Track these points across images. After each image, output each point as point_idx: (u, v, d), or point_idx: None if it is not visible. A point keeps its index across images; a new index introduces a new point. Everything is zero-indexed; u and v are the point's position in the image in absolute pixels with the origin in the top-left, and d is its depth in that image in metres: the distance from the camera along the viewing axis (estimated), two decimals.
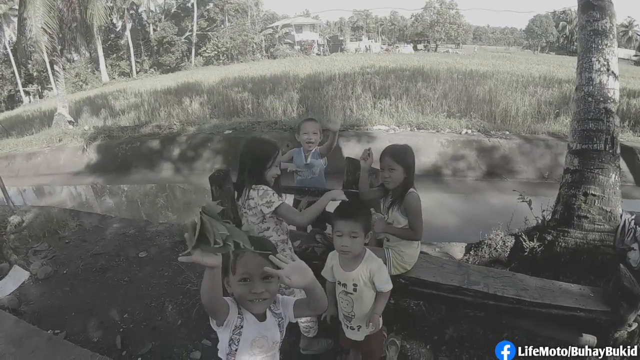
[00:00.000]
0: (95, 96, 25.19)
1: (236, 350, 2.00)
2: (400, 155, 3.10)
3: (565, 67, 27.01)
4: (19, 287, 5.19)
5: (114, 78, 49.83)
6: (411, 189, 3.10)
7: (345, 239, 2.56)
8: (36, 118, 20.73)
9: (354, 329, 2.80)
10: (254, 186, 3.09)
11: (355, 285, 2.67)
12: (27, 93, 45.50)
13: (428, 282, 3.24)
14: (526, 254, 4.55)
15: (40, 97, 44.79)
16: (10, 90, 45.34)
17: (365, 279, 2.66)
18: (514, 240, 4.89)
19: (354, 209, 2.66)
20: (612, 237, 4.34)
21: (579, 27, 4.79)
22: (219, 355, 2.09)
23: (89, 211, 8.68)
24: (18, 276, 5.38)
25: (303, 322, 3.30)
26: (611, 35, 4.50)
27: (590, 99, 4.47)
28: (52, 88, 40.58)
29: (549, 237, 4.54)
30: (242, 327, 1.99)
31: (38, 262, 5.76)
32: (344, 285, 2.71)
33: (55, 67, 16.87)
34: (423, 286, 3.25)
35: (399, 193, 3.15)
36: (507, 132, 10.52)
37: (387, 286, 2.69)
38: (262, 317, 2.02)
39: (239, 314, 1.99)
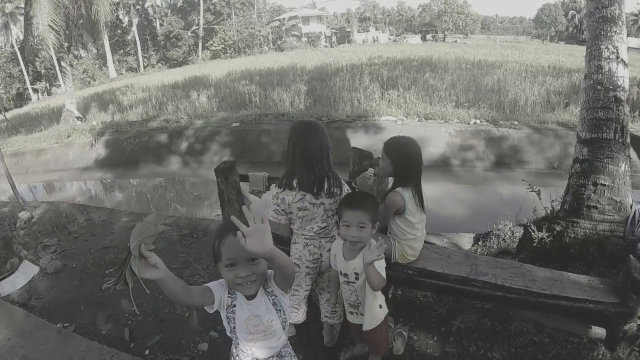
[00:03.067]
0: (103, 92, 25.40)
1: (235, 328, 2.03)
2: (390, 147, 3.09)
3: (575, 56, 26.78)
4: (28, 282, 5.25)
5: (122, 73, 50.01)
6: (399, 188, 3.06)
7: (352, 230, 2.55)
8: (45, 115, 20.89)
9: (361, 315, 2.80)
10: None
11: (356, 274, 2.66)
12: (35, 90, 45.70)
13: (435, 272, 3.22)
14: (535, 244, 4.50)
15: (49, 94, 45.02)
16: (19, 88, 45.53)
17: None
18: (522, 231, 4.85)
19: (362, 200, 2.65)
20: (622, 227, 4.28)
21: (588, 14, 4.72)
22: (227, 333, 2.12)
23: (97, 205, 8.80)
24: (28, 271, 5.45)
25: (326, 307, 3.28)
26: (620, 22, 4.42)
27: (599, 87, 4.40)
28: (59, 85, 40.81)
29: (558, 228, 4.49)
30: (234, 306, 2.01)
31: (47, 257, 5.83)
32: (345, 275, 2.71)
33: (63, 64, 16.96)
34: (430, 277, 3.22)
35: (387, 190, 3.17)
36: (516, 122, 10.46)
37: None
38: (250, 297, 2.01)
39: (229, 293, 2.01)
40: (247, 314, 2.00)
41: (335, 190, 2.95)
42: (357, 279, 2.67)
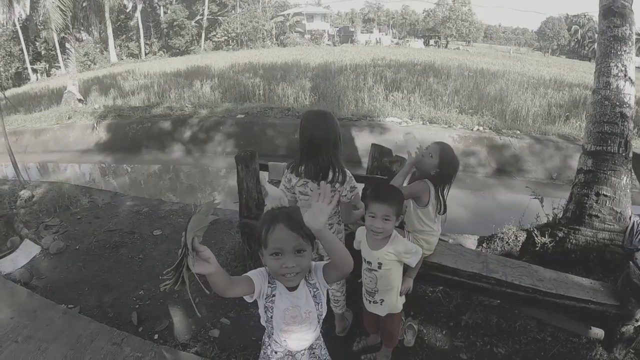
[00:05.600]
0: (103, 76, 25.15)
1: (272, 317, 2.03)
2: (445, 149, 3.20)
3: (576, 71, 26.97)
4: (30, 261, 5.25)
5: (122, 59, 49.66)
6: (425, 180, 3.19)
7: (377, 221, 2.65)
8: (44, 95, 20.76)
9: (376, 303, 2.91)
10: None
11: (380, 263, 2.77)
12: (34, 71, 45.14)
13: (449, 267, 3.36)
14: (537, 249, 4.65)
15: (48, 75, 44.53)
16: (18, 67, 44.91)
17: (391, 258, 2.76)
18: (525, 236, 5.00)
19: (389, 194, 2.74)
20: (621, 237, 4.44)
21: (599, 33, 4.86)
22: (261, 321, 2.12)
23: (100, 188, 8.81)
24: (29, 250, 5.45)
25: (332, 291, 3.37)
26: (630, 43, 4.57)
27: (606, 102, 4.55)
28: (59, 67, 40.46)
29: (560, 234, 4.64)
30: (274, 296, 2.01)
31: (49, 237, 5.82)
32: (369, 262, 2.82)
33: (67, 45, 16.87)
34: (444, 272, 3.38)
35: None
36: (518, 132, 10.57)
37: (416, 262, 2.81)
38: (292, 288, 2.01)
39: (269, 283, 2.01)
40: (286, 304, 2.01)
41: (336, 184, 2.99)
42: (379, 267, 2.78)
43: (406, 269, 2.97)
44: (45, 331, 3.49)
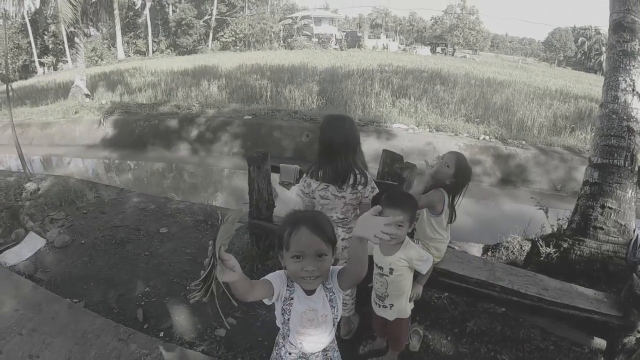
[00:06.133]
0: (110, 72, 25.16)
1: (288, 320, 2.04)
2: (461, 160, 3.27)
3: (582, 83, 27.02)
4: (34, 254, 5.21)
5: (130, 56, 49.80)
6: (441, 189, 3.24)
7: (391, 227, 2.68)
8: (51, 89, 20.75)
9: (386, 307, 2.96)
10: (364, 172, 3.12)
11: (391, 269, 2.82)
12: (41, 64, 45.35)
13: (457, 274, 3.41)
14: (542, 258, 4.70)
15: (55, 69, 44.67)
16: (25, 60, 45.18)
17: (403, 264, 2.80)
18: (530, 245, 5.04)
19: (403, 200, 2.79)
20: (624, 249, 4.49)
21: (609, 47, 4.92)
22: (276, 323, 2.13)
23: (106, 184, 8.79)
24: (34, 242, 5.42)
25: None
26: (639, 57, 4.63)
27: (614, 116, 4.60)
28: (67, 61, 40.63)
29: (565, 245, 4.69)
30: (292, 299, 2.01)
31: (55, 231, 5.80)
32: (381, 268, 2.86)
33: (76, 40, 16.93)
34: (452, 278, 3.42)
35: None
36: (524, 142, 10.59)
37: (427, 269, 2.87)
38: (310, 292, 2.02)
39: (288, 286, 2.02)
40: (304, 307, 2.01)
41: (359, 187, 3.05)
42: (391, 273, 2.83)
43: (416, 275, 3.00)
44: (50, 325, 3.47)
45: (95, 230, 5.90)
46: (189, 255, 5.21)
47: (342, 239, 3.16)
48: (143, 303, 4.22)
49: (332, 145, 3.02)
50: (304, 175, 3.23)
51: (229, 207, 7.07)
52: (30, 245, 5.36)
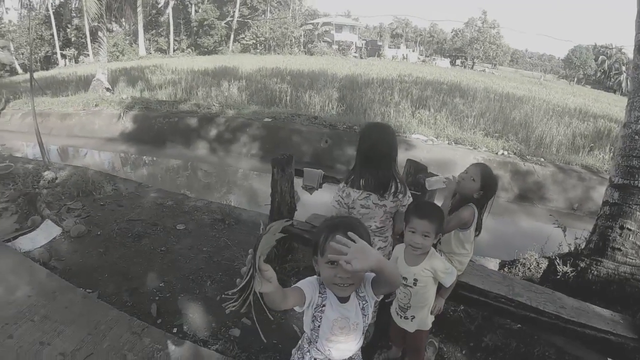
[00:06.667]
0: (131, 68, 25.37)
1: (319, 327, 2.03)
2: (487, 172, 3.25)
3: (601, 102, 26.80)
4: (49, 242, 5.28)
5: (151, 53, 50.12)
6: (471, 204, 3.23)
7: (417, 237, 2.70)
8: (72, 81, 20.90)
9: (407, 319, 2.97)
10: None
11: (415, 280, 2.82)
12: (63, 56, 45.76)
13: (477, 288, 3.42)
14: (559, 277, 4.69)
15: (76, 62, 45.10)
16: (48, 51, 45.65)
17: (427, 275, 2.81)
18: (547, 263, 5.04)
19: (430, 210, 2.79)
20: None
21: (633, 67, 4.91)
22: (304, 328, 2.15)
23: (124, 177, 8.88)
24: (49, 230, 5.49)
25: None
26: None
27: (636, 137, 4.59)
28: (88, 54, 41.03)
29: (582, 264, 4.68)
30: (324, 306, 2.00)
31: (71, 220, 5.88)
32: (405, 278, 2.85)
33: (99, 34, 17.16)
34: (471, 291, 3.43)
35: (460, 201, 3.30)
36: (542, 159, 10.53)
37: (451, 282, 2.89)
38: (344, 299, 2.01)
39: (320, 292, 2.01)
40: (336, 315, 2.00)
41: (400, 195, 3.07)
42: (415, 284, 2.83)
43: (439, 288, 3.01)
44: (63, 313, 3.50)
45: (111, 222, 5.99)
46: (205, 253, 5.25)
47: (379, 248, 3.19)
48: (157, 298, 4.26)
49: (374, 154, 3.04)
50: (342, 185, 3.21)
51: (247, 208, 7.09)
52: (45, 233, 5.43)
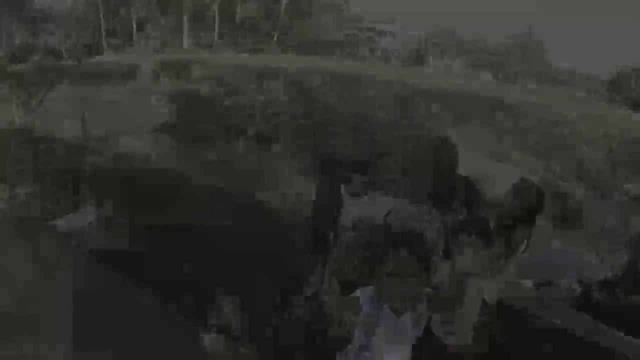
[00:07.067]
0: (176, 60, 25.71)
1: (372, 336, 2.07)
2: (533, 188, 3.33)
3: None
4: (87, 225, 5.33)
5: (194, 47, 50.62)
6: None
7: None
8: (116, 70, 21.25)
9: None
10: None
11: None
12: (108, 45, 46.65)
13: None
14: (592, 303, 4.68)
15: (122, 51, 45.84)
16: (94, 38, 46.51)
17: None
18: (581, 289, 5.00)
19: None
20: None
21: None
22: (356, 336, 2.13)
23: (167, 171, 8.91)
24: (87, 214, 5.56)
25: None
26: None
27: None
28: (133, 44, 41.73)
29: (619, 292, 4.65)
30: (379, 317, 2.05)
31: (110, 207, 5.94)
32: None
33: (147, 25, 17.36)
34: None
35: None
36: (582, 183, 10.42)
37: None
38: (399, 312, 2.04)
39: (376, 303, 2.04)
40: (390, 326, 2.04)
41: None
42: None
43: None
44: (96, 297, 3.50)
45: (152, 214, 5.96)
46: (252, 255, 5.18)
47: None
48: (193, 289, 4.25)
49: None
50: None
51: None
52: (84, 216, 5.51)
